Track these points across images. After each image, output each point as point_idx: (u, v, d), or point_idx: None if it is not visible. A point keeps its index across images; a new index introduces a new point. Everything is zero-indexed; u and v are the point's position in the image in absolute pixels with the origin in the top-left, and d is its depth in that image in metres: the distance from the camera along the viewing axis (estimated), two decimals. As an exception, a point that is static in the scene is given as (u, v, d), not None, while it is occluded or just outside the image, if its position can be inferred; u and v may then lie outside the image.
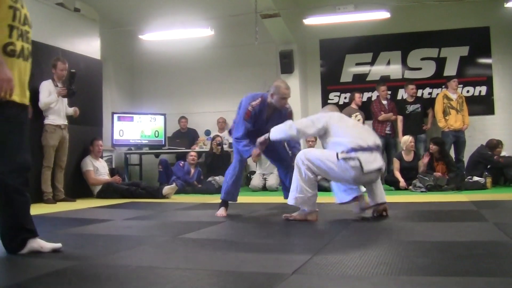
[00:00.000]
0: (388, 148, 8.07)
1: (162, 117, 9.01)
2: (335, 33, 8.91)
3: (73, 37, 7.20)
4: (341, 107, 7.61)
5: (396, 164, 7.32)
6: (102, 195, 6.69)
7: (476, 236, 2.99)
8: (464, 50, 8.59)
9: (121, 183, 6.96)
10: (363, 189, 3.95)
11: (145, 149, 8.90)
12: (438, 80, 8.59)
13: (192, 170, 7.87)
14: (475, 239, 2.85)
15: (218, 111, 9.34)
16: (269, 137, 3.91)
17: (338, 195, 4.00)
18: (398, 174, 7.20)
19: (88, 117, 7.01)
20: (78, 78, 6.27)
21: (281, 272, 2.09)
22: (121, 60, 9.63)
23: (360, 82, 8.89)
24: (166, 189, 6.56)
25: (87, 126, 7.02)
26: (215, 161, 8.09)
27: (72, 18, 7.26)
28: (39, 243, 2.55)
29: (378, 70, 8.92)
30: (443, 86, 8.29)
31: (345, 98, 8.76)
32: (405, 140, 7.37)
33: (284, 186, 4.64)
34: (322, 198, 5.24)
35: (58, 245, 2.59)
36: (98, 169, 6.91)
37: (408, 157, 7.34)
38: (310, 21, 8.07)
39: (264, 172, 8.13)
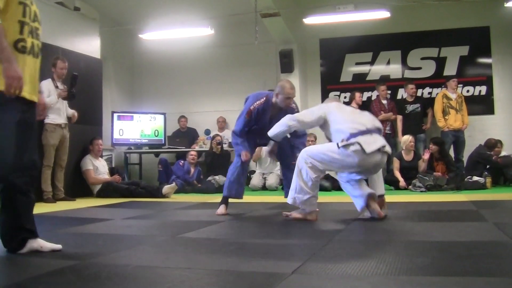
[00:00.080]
0: (388, 147, 8.07)
1: (162, 116, 9.01)
2: (335, 33, 8.91)
3: (73, 36, 7.20)
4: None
5: (396, 163, 7.32)
6: (101, 194, 6.69)
7: (476, 236, 2.99)
8: (464, 50, 8.59)
9: (121, 182, 6.96)
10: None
11: (145, 149, 8.91)
12: (438, 79, 8.59)
13: (192, 170, 7.87)
14: (475, 239, 2.85)
15: (218, 111, 9.34)
16: (274, 141, 3.98)
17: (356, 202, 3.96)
18: (398, 174, 7.20)
19: (88, 116, 7.01)
20: (78, 78, 6.26)
21: (280, 271, 2.09)
22: (121, 59, 9.63)
23: (360, 82, 8.89)
24: (166, 188, 6.56)
25: (87, 125, 7.02)
26: (215, 160, 8.09)
27: (72, 17, 7.26)
28: (39, 243, 2.55)
29: (378, 69, 8.92)
30: (443, 86, 8.30)
31: (345, 97, 8.76)
32: (405, 139, 7.37)
33: (286, 184, 4.64)
34: (322, 198, 5.25)
35: (58, 246, 2.58)
36: (98, 168, 6.91)
37: (408, 157, 7.35)
38: (310, 20, 8.07)
39: (264, 171, 8.14)
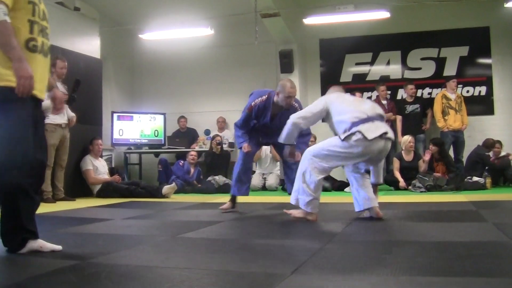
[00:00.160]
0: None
1: (162, 116, 9.02)
2: (335, 33, 8.92)
3: (73, 36, 7.20)
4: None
5: (396, 164, 7.32)
6: (101, 194, 6.69)
7: (476, 236, 2.99)
8: (464, 50, 8.60)
9: (121, 182, 6.96)
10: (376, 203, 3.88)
11: (145, 149, 8.91)
12: (438, 80, 8.60)
13: (192, 170, 7.87)
14: (475, 239, 2.85)
15: (218, 111, 9.35)
16: (290, 145, 3.99)
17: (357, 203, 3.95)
18: (397, 174, 7.20)
19: (88, 116, 7.01)
20: (78, 77, 6.26)
21: (280, 271, 2.09)
22: (121, 59, 9.63)
23: (360, 82, 8.89)
24: (166, 188, 6.56)
25: (86, 125, 7.02)
26: (215, 160, 8.09)
27: (72, 17, 7.26)
28: (39, 243, 2.54)
29: (377, 70, 8.93)
30: (443, 87, 8.30)
31: (345, 98, 8.75)
32: (405, 140, 7.38)
33: (289, 181, 4.65)
34: (322, 198, 5.24)
35: (58, 247, 2.58)
36: (98, 168, 6.91)
37: (408, 157, 7.35)
38: (310, 20, 8.08)
39: (264, 171, 8.14)
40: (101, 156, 7.27)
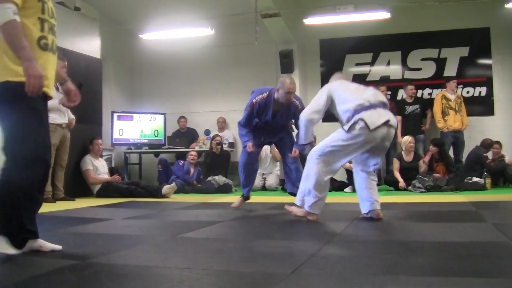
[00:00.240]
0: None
1: (162, 116, 9.02)
2: (335, 33, 8.92)
3: (73, 35, 7.20)
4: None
5: (396, 164, 7.32)
6: (101, 194, 6.69)
7: (475, 237, 3.00)
8: (464, 51, 8.60)
9: (121, 182, 6.96)
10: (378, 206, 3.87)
11: (145, 149, 8.91)
12: (438, 80, 8.60)
13: (192, 170, 7.87)
14: (474, 240, 2.85)
15: (218, 111, 9.35)
16: (308, 143, 3.97)
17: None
18: (397, 174, 7.20)
19: (87, 116, 7.01)
20: (78, 77, 6.26)
21: (279, 271, 2.09)
22: (121, 59, 9.63)
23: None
24: (166, 188, 6.56)
25: (86, 125, 7.02)
26: (215, 160, 8.09)
27: (72, 16, 7.27)
28: (39, 243, 2.54)
29: (378, 70, 8.93)
30: (443, 87, 8.30)
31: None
32: (405, 140, 7.38)
33: (289, 180, 4.69)
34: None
35: (58, 247, 2.58)
36: (98, 168, 6.91)
37: (408, 158, 7.35)
38: (310, 21, 8.08)
39: (264, 172, 8.13)
40: (101, 156, 7.28)
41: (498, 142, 7.70)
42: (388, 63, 8.91)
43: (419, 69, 8.79)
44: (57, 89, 6.09)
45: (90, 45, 7.52)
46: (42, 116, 2.52)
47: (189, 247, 2.84)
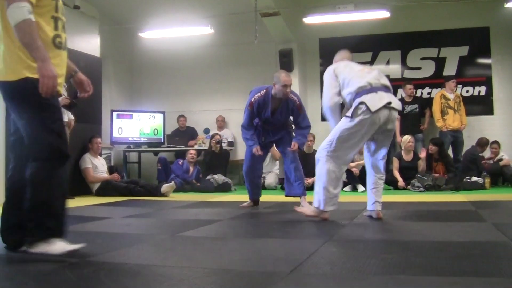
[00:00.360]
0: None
1: (161, 115, 9.01)
2: (335, 32, 8.91)
3: (73, 34, 7.17)
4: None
5: (395, 163, 7.32)
6: (100, 192, 6.69)
7: (474, 236, 3.00)
8: (463, 50, 8.60)
9: (120, 181, 6.95)
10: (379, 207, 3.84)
11: (144, 147, 8.90)
12: (438, 80, 8.60)
13: (191, 169, 7.86)
14: (473, 239, 2.85)
15: (217, 110, 9.35)
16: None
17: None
18: (397, 174, 7.20)
19: (87, 115, 7.00)
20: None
21: (279, 270, 2.10)
22: (121, 58, 9.62)
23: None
24: (165, 187, 6.56)
25: (86, 124, 7.01)
26: (214, 159, 8.09)
27: (72, 15, 7.24)
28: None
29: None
30: (442, 86, 8.30)
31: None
32: (405, 139, 7.38)
33: (288, 181, 4.71)
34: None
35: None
36: (97, 166, 6.91)
37: (408, 157, 7.35)
38: (310, 20, 8.07)
39: (263, 171, 8.12)
40: (100, 155, 7.27)
41: (496, 142, 7.71)
42: (388, 62, 8.91)
43: (419, 68, 8.79)
44: None
45: (89, 44, 7.51)
46: (60, 112, 2.52)
47: (188, 246, 2.84)
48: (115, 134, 8.54)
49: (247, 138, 4.63)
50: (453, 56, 8.63)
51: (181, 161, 7.91)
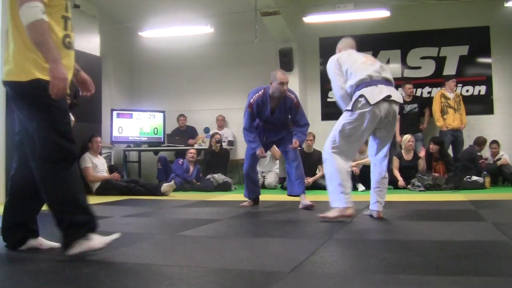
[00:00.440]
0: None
1: (161, 114, 9.01)
2: (335, 32, 8.86)
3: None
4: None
5: (395, 162, 7.32)
6: (100, 192, 6.69)
7: (474, 236, 3.00)
8: (463, 50, 8.60)
9: (120, 180, 6.95)
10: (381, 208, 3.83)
11: (144, 146, 8.90)
12: (438, 79, 8.60)
13: (191, 168, 7.86)
14: (473, 239, 2.85)
15: (217, 109, 9.35)
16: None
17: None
18: (397, 173, 7.20)
19: (87, 114, 6.99)
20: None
21: (279, 270, 2.09)
22: (121, 57, 9.62)
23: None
24: (165, 186, 6.56)
25: (86, 123, 7.00)
26: (214, 158, 8.09)
27: (72, 14, 7.24)
28: (39, 241, 2.55)
29: (377, 68, 8.91)
30: (442, 86, 8.30)
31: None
32: (405, 139, 7.38)
33: (289, 181, 4.74)
34: (322, 197, 5.25)
35: (57, 244, 2.57)
36: (97, 166, 6.91)
37: (408, 156, 7.35)
38: (310, 19, 8.07)
39: (263, 170, 8.13)
40: (100, 154, 7.27)
41: (496, 142, 7.71)
42: (388, 62, 8.90)
43: (419, 67, 8.79)
44: None
45: (89, 43, 7.51)
46: (69, 115, 2.50)
47: (188, 245, 2.84)
48: (115, 133, 8.54)
49: (250, 141, 4.66)
50: (453, 55, 8.63)
51: (181, 160, 7.91)
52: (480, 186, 6.78)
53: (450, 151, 7.84)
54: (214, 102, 9.52)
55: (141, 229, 3.59)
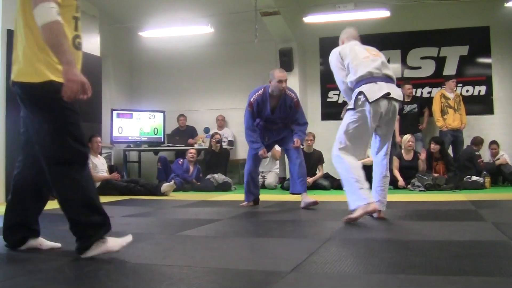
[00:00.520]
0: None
1: (161, 114, 9.01)
2: (335, 32, 8.75)
3: (73, 33, 7.19)
4: (341, 106, 7.62)
5: (395, 162, 7.32)
6: (100, 192, 6.63)
7: (474, 236, 2.99)
8: (463, 50, 8.60)
9: (120, 180, 6.95)
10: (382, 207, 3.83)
11: (144, 146, 8.90)
12: (438, 79, 8.60)
13: (191, 168, 7.86)
14: (473, 239, 2.85)
15: (217, 109, 9.35)
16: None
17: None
18: (397, 173, 7.20)
19: (87, 114, 6.98)
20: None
21: (279, 270, 2.09)
22: (121, 57, 9.62)
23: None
24: (165, 186, 6.56)
25: (86, 123, 6.94)
26: (214, 158, 8.09)
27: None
28: (39, 241, 2.55)
29: (377, 68, 8.90)
30: (442, 86, 8.29)
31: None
32: (405, 139, 7.38)
33: (292, 179, 4.76)
34: (321, 197, 5.26)
35: (58, 244, 2.58)
36: (97, 166, 6.90)
37: (408, 156, 7.35)
38: (310, 19, 8.07)
39: (263, 170, 8.13)
40: (101, 154, 7.27)
41: (495, 142, 7.71)
42: (388, 62, 8.71)
43: (419, 67, 8.78)
44: None
45: (89, 43, 7.51)
46: (79, 117, 2.51)
47: (188, 245, 2.84)
48: (115, 133, 8.54)
49: (252, 141, 4.70)
50: (453, 55, 8.63)
51: (181, 160, 7.91)
52: (480, 186, 6.78)
53: (450, 151, 7.84)
54: (214, 102, 9.53)
55: (141, 229, 3.59)
